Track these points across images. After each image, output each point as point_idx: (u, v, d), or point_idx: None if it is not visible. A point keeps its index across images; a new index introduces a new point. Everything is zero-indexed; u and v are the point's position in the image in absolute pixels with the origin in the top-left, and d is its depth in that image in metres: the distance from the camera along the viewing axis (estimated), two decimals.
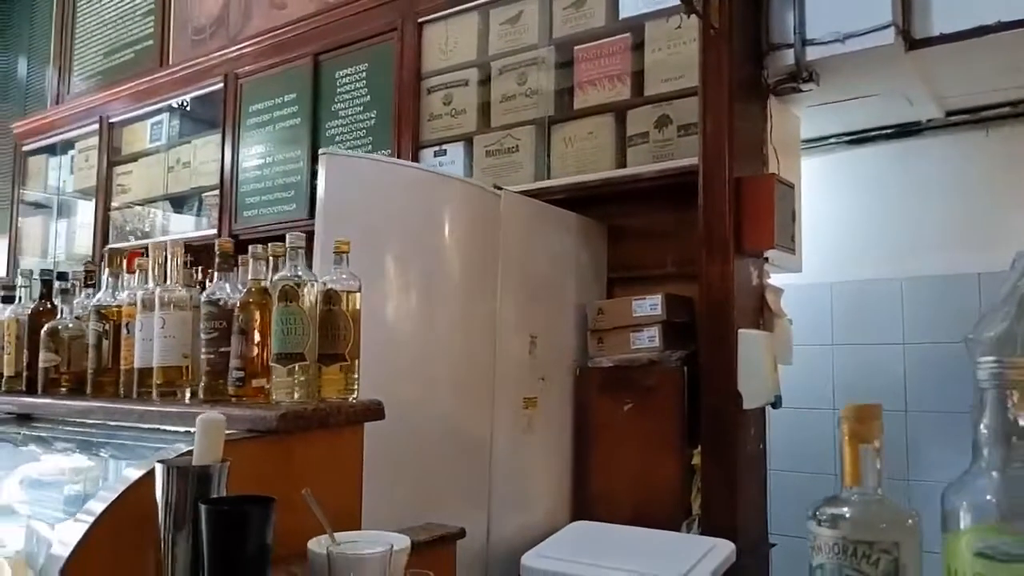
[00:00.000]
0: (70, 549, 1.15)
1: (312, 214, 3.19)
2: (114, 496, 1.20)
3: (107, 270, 1.82)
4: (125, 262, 1.84)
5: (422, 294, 2.30)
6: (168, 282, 1.65)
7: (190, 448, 1.25)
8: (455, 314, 2.41)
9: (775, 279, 2.78)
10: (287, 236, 1.46)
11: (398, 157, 3.14)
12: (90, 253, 4.28)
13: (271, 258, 1.53)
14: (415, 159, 3.10)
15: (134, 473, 1.24)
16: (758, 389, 2.43)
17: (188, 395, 1.63)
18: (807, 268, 2.97)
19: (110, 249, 1.84)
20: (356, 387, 1.49)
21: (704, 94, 2.52)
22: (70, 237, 4.66)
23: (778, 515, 2.72)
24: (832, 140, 3.51)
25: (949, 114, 3.35)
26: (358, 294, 1.50)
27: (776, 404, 2.52)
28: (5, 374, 2.04)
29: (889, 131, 3.44)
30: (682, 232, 2.61)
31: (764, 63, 2.72)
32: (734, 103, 2.51)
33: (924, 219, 3.36)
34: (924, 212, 3.37)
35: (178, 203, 3.99)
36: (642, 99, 2.70)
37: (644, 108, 2.68)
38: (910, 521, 0.74)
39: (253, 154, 3.63)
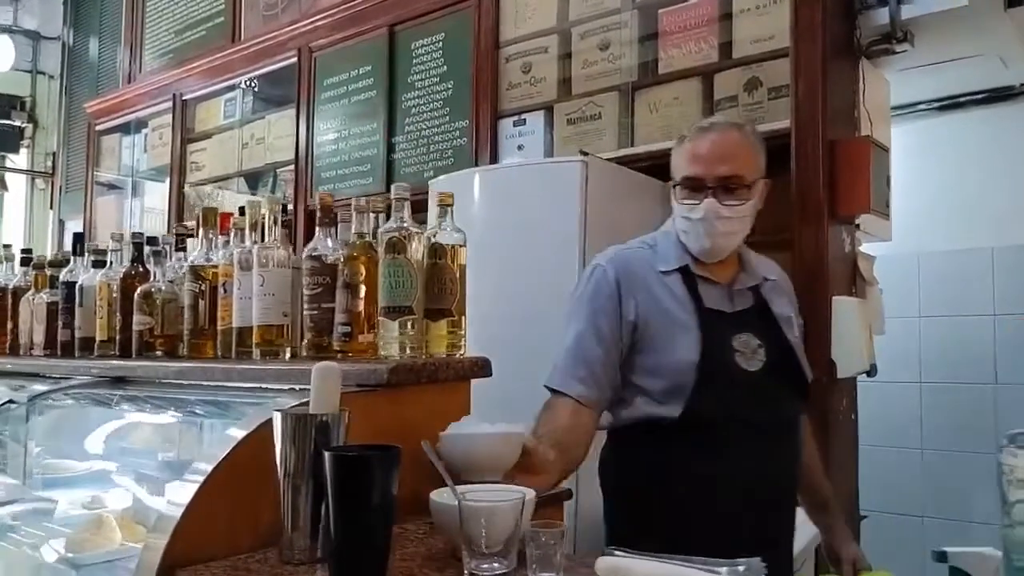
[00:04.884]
0: (183, 508, 1.13)
1: (388, 187, 3.17)
2: (225, 452, 1.19)
3: (201, 230, 1.82)
4: (219, 221, 1.84)
5: (509, 264, 2.27)
6: (266, 240, 1.63)
7: (297, 403, 1.23)
8: (543, 284, 2.37)
9: (865, 247, 2.67)
10: (392, 188, 1.43)
11: (476, 127, 3.10)
12: (164, 232, 4.35)
13: (372, 213, 1.50)
14: (494, 129, 3.06)
15: (239, 432, 1.23)
16: (853, 357, 2.35)
17: (288, 354, 1.61)
18: (894, 237, 2.86)
19: (205, 208, 1.84)
20: (463, 343, 1.46)
21: (796, 55, 2.43)
22: (144, 217, 4.74)
23: (864, 489, 2.63)
24: (921, 106, 3.37)
25: None
26: (463, 248, 1.47)
27: (871, 372, 2.43)
28: (98, 339, 2.06)
29: (980, 96, 3.29)
30: (772, 198, 2.51)
31: (856, 23, 2.61)
32: (827, 64, 2.41)
33: (1015, 187, 3.20)
34: (1015, 180, 3.22)
35: (253, 180, 4.02)
36: (731, 62, 2.61)
37: (732, 71, 2.59)
38: None
39: (328, 128, 3.63)
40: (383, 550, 1.03)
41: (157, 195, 4.59)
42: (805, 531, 2.06)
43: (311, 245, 1.54)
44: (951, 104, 3.31)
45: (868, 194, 2.41)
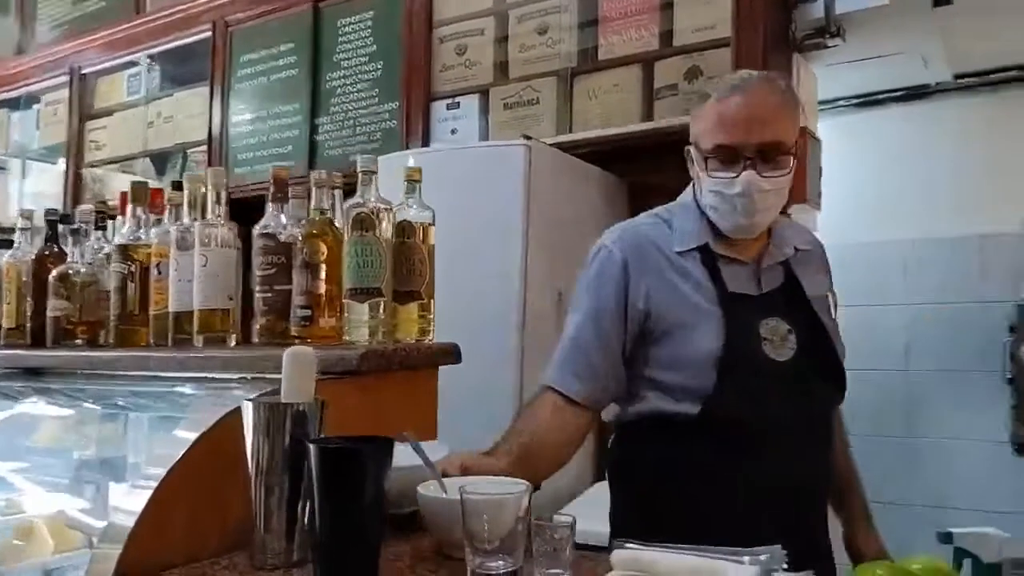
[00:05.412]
0: (136, 513, 1.01)
1: (311, 169, 3.03)
2: (183, 450, 1.07)
3: (130, 207, 1.66)
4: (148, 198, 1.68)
5: (447, 251, 2.19)
6: (209, 217, 1.50)
7: (260, 393, 1.13)
8: (485, 272, 2.31)
9: None
10: (358, 159, 1.33)
11: (408, 110, 2.99)
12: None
13: (331, 189, 1.39)
14: (426, 112, 2.96)
15: (195, 427, 1.11)
16: None
17: (233, 340, 1.49)
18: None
19: (135, 183, 1.68)
20: (432, 328, 1.38)
21: (737, 45, 2.44)
22: (35, 201, 4.38)
23: None
24: (842, 102, 3.48)
25: (957, 77, 3.34)
26: (432, 227, 1.38)
27: None
28: (4, 326, 1.86)
29: (900, 93, 3.42)
30: None
31: (793, 15, 2.65)
32: (767, 55, 2.43)
33: (930, 182, 3.35)
34: (930, 175, 3.36)
35: (160, 161, 3.76)
36: (671, 50, 2.60)
37: (673, 59, 2.58)
38: None
39: (245, 107, 3.44)
40: (376, 549, 0.94)
41: (49, 177, 4.23)
42: None
43: (262, 222, 1.43)
44: (872, 101, 3.42)
45: (805, 184, 2.45)
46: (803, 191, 2.46)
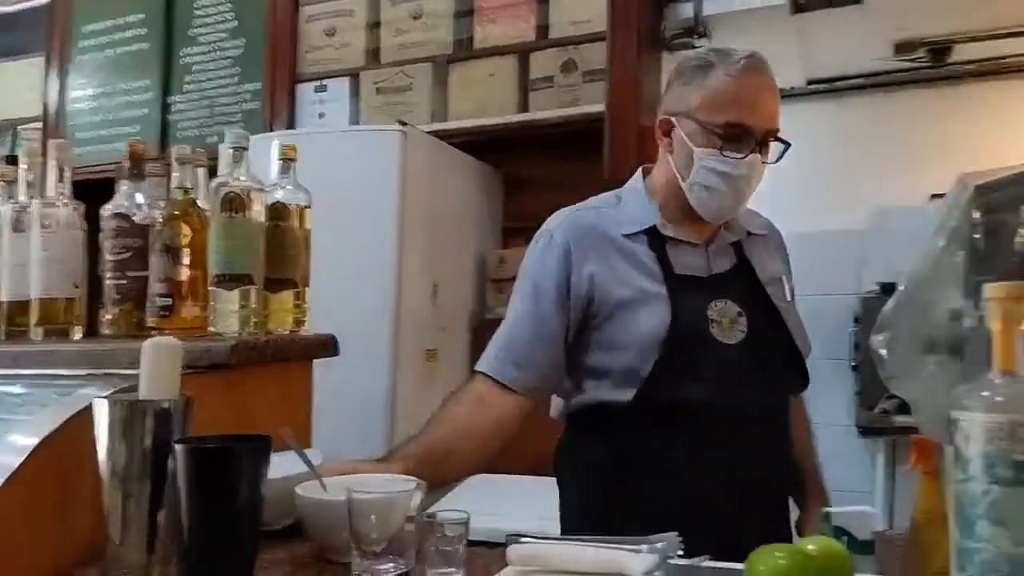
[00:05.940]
0: None
1: (163, 150, 2.82)
2: (20, 459, 0.94)
3: None
4: None
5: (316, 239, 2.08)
6: (50, 194, 1.34)
7: (107, 392, 1.02)
8: (358, 260, 2.22)
9: None
10: (228, 134, 1.22)
11: (272, 91, 2.84)
12: None
13: (195, 167, 1.28)
14: (291, 94, 2.82)
15: (36, 430, 0.98)
16: None
17: (79, 333, 1.34)
18: None
19: None
20: (306, 318, 1.29)
21: (612, 40, 2.47)
22: None
23: None
24: None
25: (810, 83, 3.54)
26: (309, 209, 1.30)
27: None
28: None
29: None
30: (584, 182, 2.51)
31: (664, 14, 2.71)
32: (641, 51, 2.48)
33: (784, 181, 3.53)
34: (784, 174, 3.54)
35: None
36: (547, 42, 2.60)
37: (549, 51, 2.59)
38: None
39: (87, 82, 3.16)
40: (251, 559, 0.86)
41: None
42: None
43: (114, 202, 1.29)
44: None
45: None
46: None
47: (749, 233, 1.34)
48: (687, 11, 2.67)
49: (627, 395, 1.21)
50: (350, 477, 1.01)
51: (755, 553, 0.77)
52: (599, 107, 2.48)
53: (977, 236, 1.81)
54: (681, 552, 0.89)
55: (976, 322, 1.82)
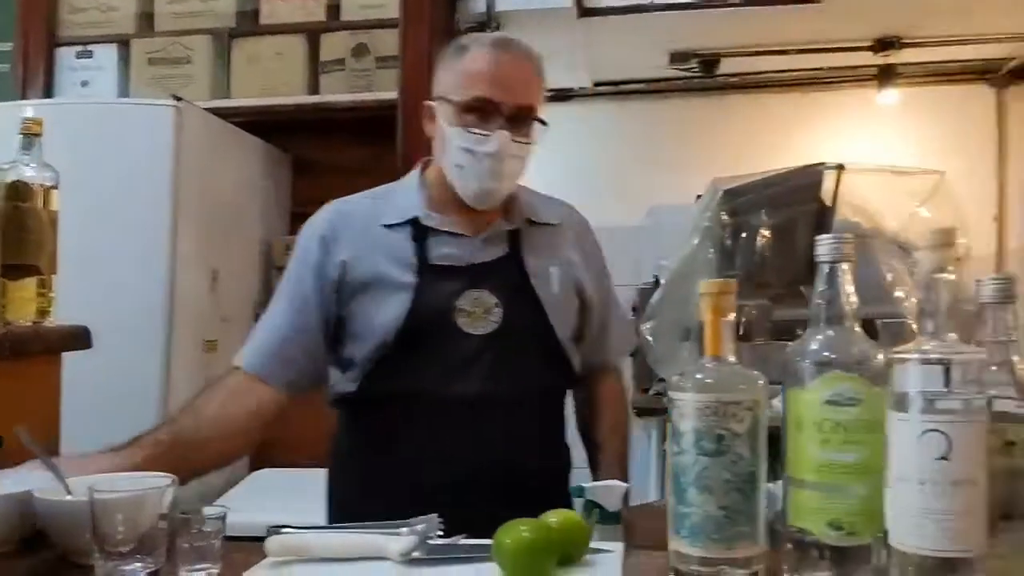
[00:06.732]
0: None
1: None
2: None
3: None
4: None
5: (75, 220, 1.91)
6: None
7: None
8: (126, 245, 2.07)
9: None
10: None
11: (25, 54, 2.56)
12: None
13: None
14: (49, 58, 2.56)
15: None
16: None
17: None
18: None
19: None
20: (52, 308, 1.19)
21: (405, 27, 2.47)
22: None
23: None
24: None
25: (597, 84, 3.74)
26: (55, 190, 1.19)
27: None
28: None
29: (548, 94, 3.71)
30: (377, 168, 2.50)
31: (457, 6, 2.75)
32: (434, 40, 2.50)
33: (573, 178, 3.72)
34: (572, 172, 3.73)
35: None
36: (338, 23, 2.55)
37: (341, 34, 2.54)
38: (761, 382, 0.81)
39: None
40: None
41: None
42: None
43: None
44: None
45: None
46: None
47: (532, 222, 1.31)
48: (480, 5, 2.73)
49: (351, 386, 1.24)
50: (96, 476, 0.95)
51: (502, 527, 0.81)
52: (392, 94, 2.47)
53: (725, 235, 2.03)
54: (441, 532, 0.92)
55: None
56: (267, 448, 2.43)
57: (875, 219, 2.04)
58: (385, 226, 1.26)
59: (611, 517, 1.10)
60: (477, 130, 1.19)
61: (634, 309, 3.54)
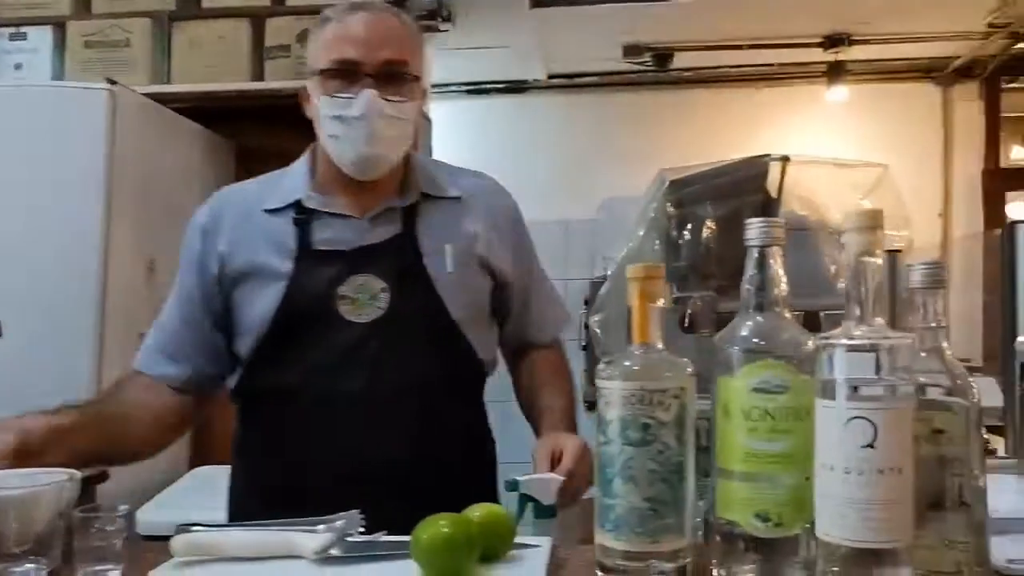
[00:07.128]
0: None
1: None
2: None
3: None
4: None
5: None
6: None
7: None
8: (56, 234, 1.99)
9: None
10: None
11: None
12: None
13: None
14: None
15: None
16: None
17: None
18: None
19: None
20: None
21: None
22: None
23: None
24: (453, 88, 3.66)
25: (551, 77, 3.72)
26: None
27: None
28: None
29: (502, 86, 3.70)
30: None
31: None
32: None
33: (528, 171, 3.69)
34: (527, 164, 3.70)
35: None
36: (284, 8, 2.49)
37: (286, 18, 2.47)
38: (689, 370, 0.78)
39: None
40: None
41: None
42: None
43: None
44: (479, 89, 3.65)
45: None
46: None
47: (429, 196, 1.21)
48: None
49: (238, 381, 1.20)
50: None
51: (421, 523, 0.78)
52: None
53: (671, 227, 2.02)
54: (362, 529, 0.88)
55: (671, 303, 2.00)
56: (205, 445, 2.37)
57: (820, 211, 2.05)
58: (267, 211, 1.19)
59: (546, 511, 1.07)
60: (340, 94, 1.12)
61: (586, 302, 3.53)
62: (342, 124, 1.13)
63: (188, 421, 1.25)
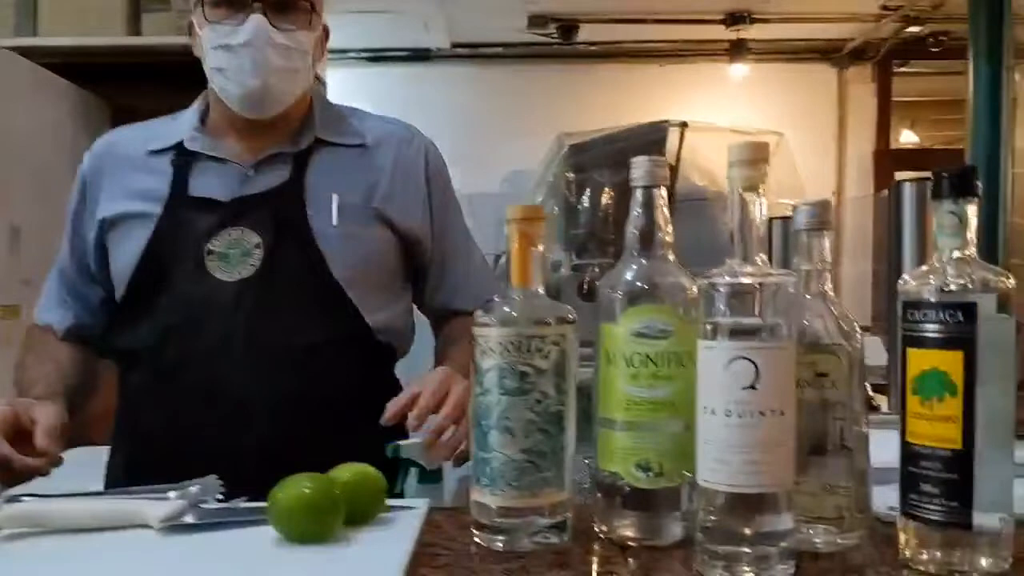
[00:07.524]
0: None
1: None
2: None
3: None
4: None
5: None
6: None
7: None
8: None
9: None
10: None
11: None
12: None
13: None
14: None
15: None
16: None
17: None
18: None
19: None
20: None
21: None
22: None
23: None
24: (352, 55, 3.53)
25: (455, 46, 3.63)
26: None
27: None
28: None
29: (403, 53, 3.60)
30: None
31: None
32: None
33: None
34: (429, 136, 3.62)
35: None
36: None
37: None
38: (571, 315, 0.74)
39: None
40: None
41: None
42: None
43: None
44: (378, 57, 3.54)
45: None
46: None
47: (326, 142, 1.10)
48: None
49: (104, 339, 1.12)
50: None
51: (279, 484, 0.71)
52: None
53: (570, 194, 1.98)
54: (221, 496, 0.81)
55: (569, 270, 1.97)
56: (83, 424, 2.21)
57: (718, 182, 2.05)
58: (150, 153, 1.10)
59: (431, 476, 1.02)
60: (227, 21, 1.02)
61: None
62: (227, 54, 1.03)
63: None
